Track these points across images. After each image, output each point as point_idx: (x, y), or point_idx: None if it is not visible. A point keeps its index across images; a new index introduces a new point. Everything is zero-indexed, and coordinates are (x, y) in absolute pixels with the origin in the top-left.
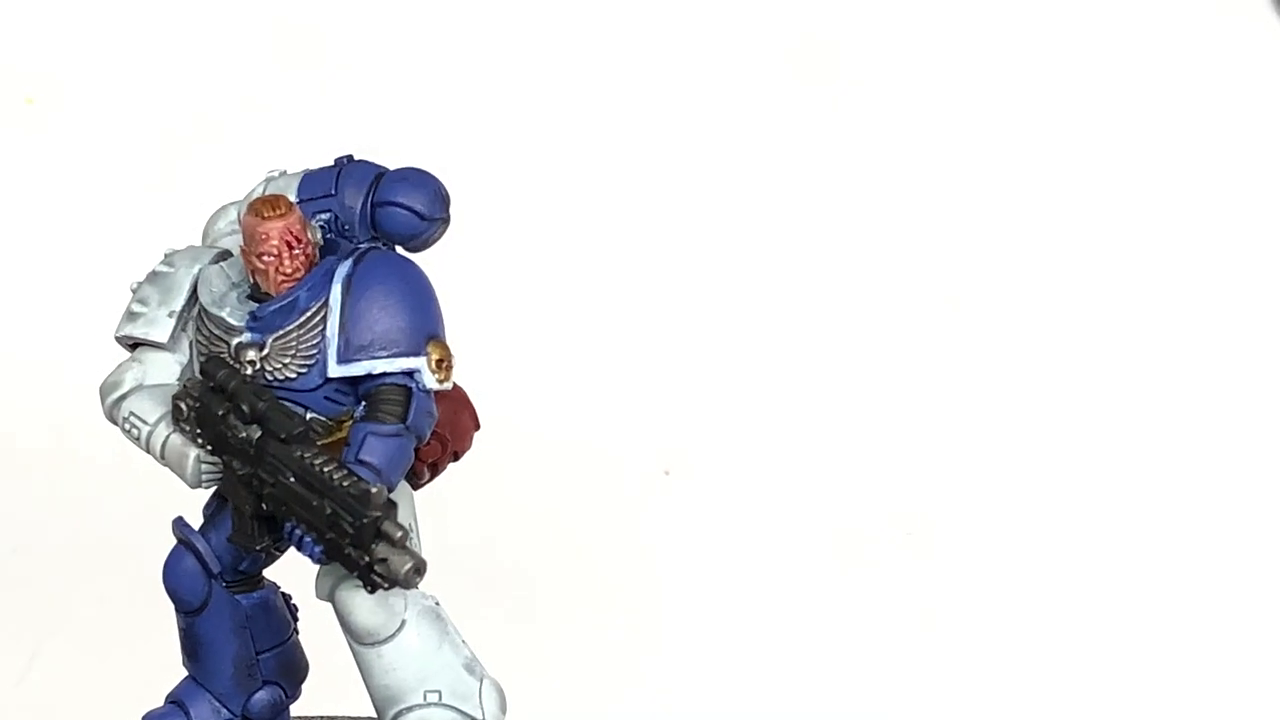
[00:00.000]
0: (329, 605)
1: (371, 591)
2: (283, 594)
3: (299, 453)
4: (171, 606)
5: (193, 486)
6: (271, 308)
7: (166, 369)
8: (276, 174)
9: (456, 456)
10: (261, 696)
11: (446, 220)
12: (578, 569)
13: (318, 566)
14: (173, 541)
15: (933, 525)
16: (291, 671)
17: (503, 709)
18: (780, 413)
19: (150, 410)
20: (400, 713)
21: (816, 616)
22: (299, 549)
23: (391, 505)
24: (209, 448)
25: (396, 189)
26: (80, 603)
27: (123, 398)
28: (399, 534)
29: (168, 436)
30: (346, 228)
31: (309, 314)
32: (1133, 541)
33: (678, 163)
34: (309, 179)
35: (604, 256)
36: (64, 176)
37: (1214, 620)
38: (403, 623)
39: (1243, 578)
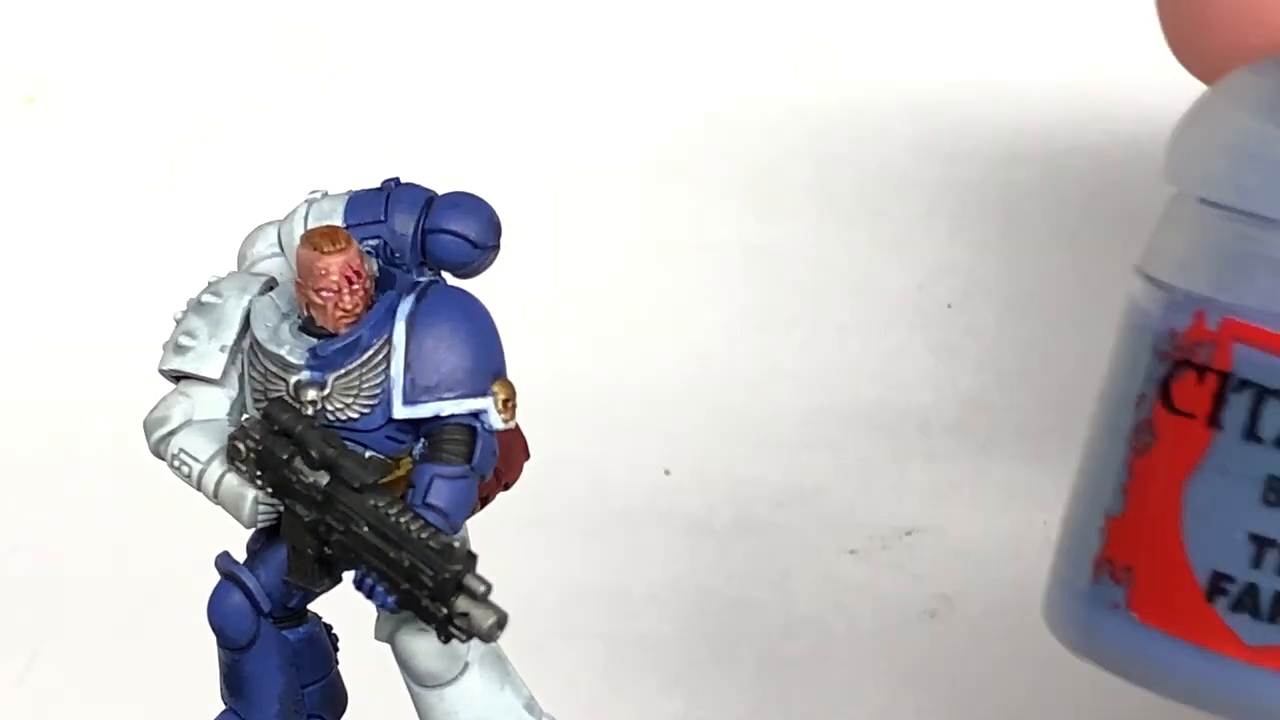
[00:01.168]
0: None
1: (446, 641)
2: (324, 625)
3: (373, 502)
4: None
5: (248, 526)
6: (334, 346)
7: (216, 404)
8: (318, 195)
9: (507, 486)
10: None
11: (498, 248)
12: (578, 569)
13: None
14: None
15: (933, 525)
16: (334, 704)
17: None
18: (779, 413)
19: (202, 448)
20: None
21: (816, 615)
22: (369, 597)
23: (472, 558)
24: (268, 490)
25: (449, 216)
26: (80, 603)
27: (171, 434)
28: (482, 588)
29: (222, 475)
30: (397, 255)
31: (372, 352)
32: None
33: (678, 162)
34: (355, 203)
35: (604, 256)
36: (64, 175)
37: None
38: (466, 665)
39: None
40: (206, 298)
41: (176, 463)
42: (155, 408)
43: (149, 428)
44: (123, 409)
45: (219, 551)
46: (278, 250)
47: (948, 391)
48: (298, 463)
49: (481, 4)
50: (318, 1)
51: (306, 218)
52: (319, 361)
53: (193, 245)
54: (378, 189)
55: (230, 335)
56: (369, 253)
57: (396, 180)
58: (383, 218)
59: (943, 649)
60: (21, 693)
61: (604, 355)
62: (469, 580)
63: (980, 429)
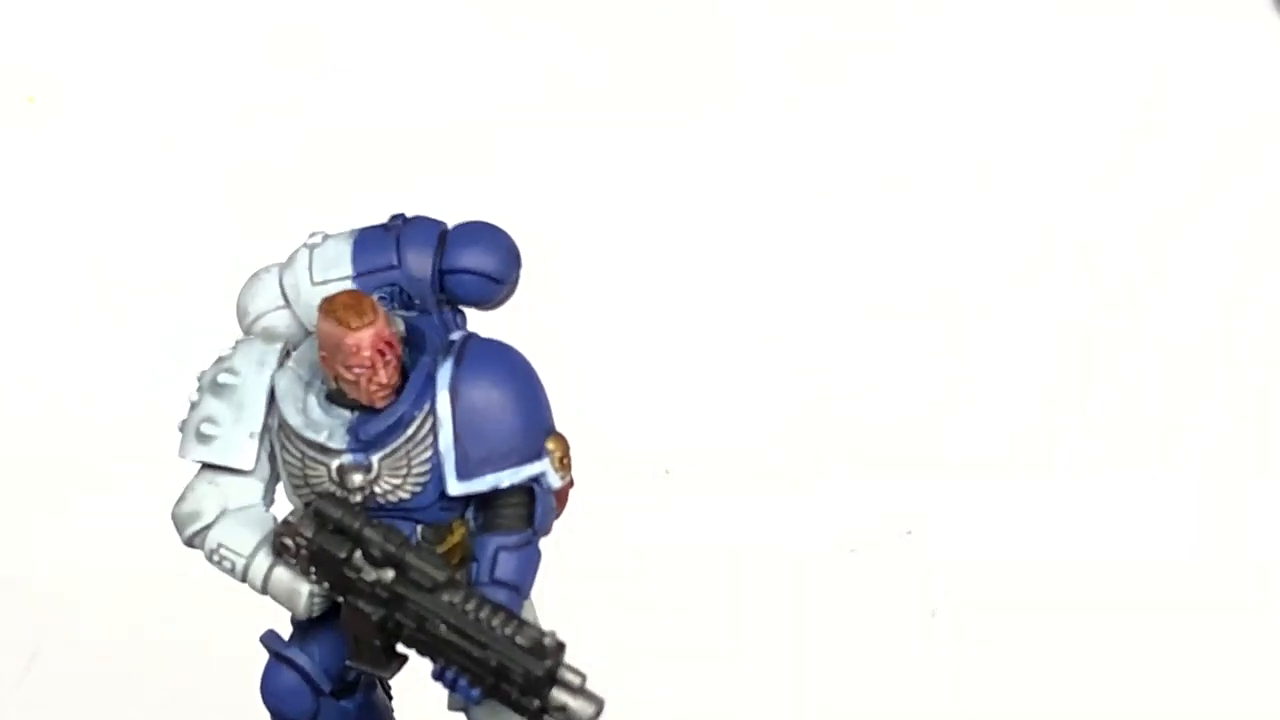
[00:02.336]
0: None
1: None
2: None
3: (448, 599)
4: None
5: (303, 618)
6: (376, 428)
7: (248, 492)
8: (318, 239)
9: (556, 514)
10: None
11: (518, 279)
12: (577, 569)
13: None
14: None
15: (933, 524)
16: None
17: None
18: (779, 412)
19: (244, 541)
20: None
21: (816, 615)
22: (451, 689)
23: (561, 648)
24: (325, 585)
25: (467, 255)
26: (80, 603)
27: (206, 528)
28: (578, 681)
29: (270, 568)
30: (418, 300)
31: (416, 426)
32: (1129, 540)
33: (678, 163)
34: (362, 246)
35: (604, 256)
36: (65, 175)
37: (1213, 619)
38: None
39: (1242, 578)
40: (223, 378)
41: (216, 558)
42: (183, 500)
43: (180, 522)
44: (124, 408)
45: (264, 631)
46: (282, 303)
47: (948, 391)
48: (358, 559)
49: (482, 4)
50: (318, 1)
51: (310, 266)
52: (361, 444)
53: (193, 245)
54: (384, 228)
55: (257, 421)
56: (383, 299)
57: (403, 216)
58: (396, 263)
59: (943, 649)
60: (21, 693)
61: (604, 355)
62: (564, 674)
63: (981, 429)
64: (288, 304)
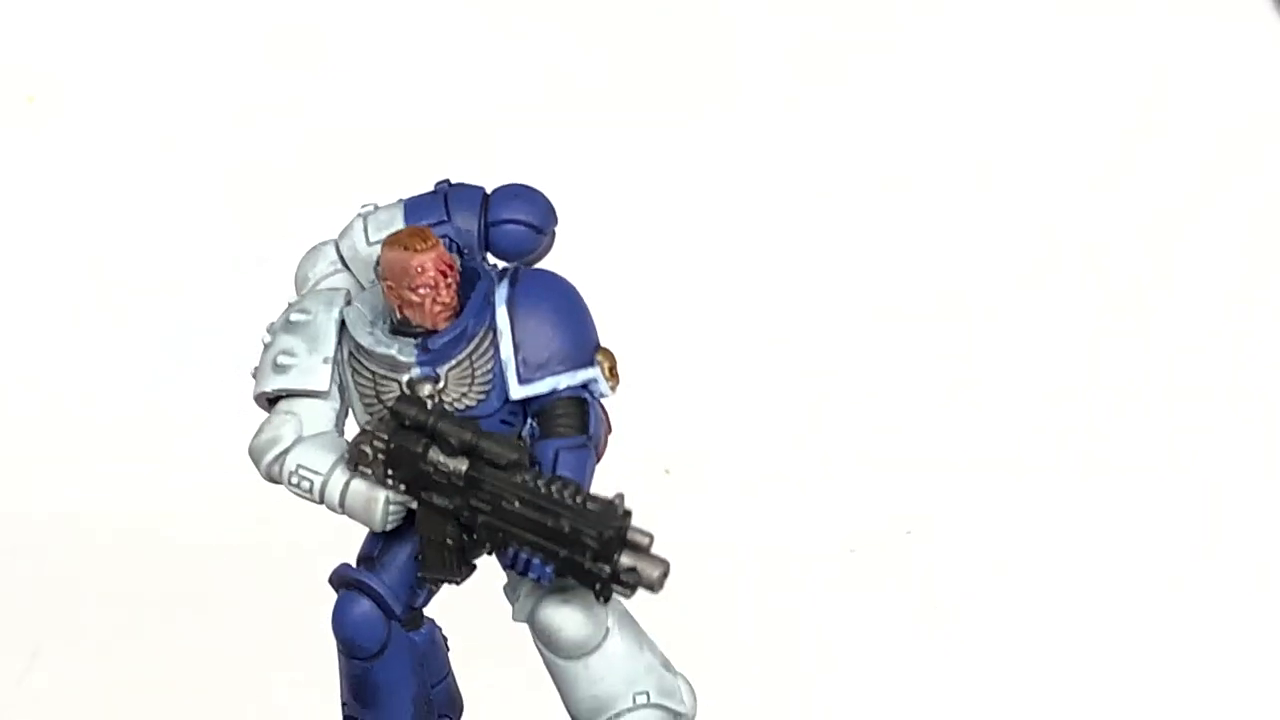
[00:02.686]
0: None
1: (605, 602)
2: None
3: (520, 477)
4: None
5: (380, 529)
6: (443, 339)
7: (322, 417)
8: (370, 208)
9: (597, 459)
10: None
11: (555, 233)
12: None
13: (511, 599)
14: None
15: (933, 524)
16: (455, 703)
17: (695, 702)
18: (780, 412)
19: (320, 459)
20: (610, 719)
21: (816, 615)
22: (524, 572)
23: (629, 514)
24: (401, 487)
25: (510, 206)
26: (80, 603)
27: (285, 452)
28: (646, 540)
29: (347, 483)
30: (465, 250)
31: (478, 339)
32: (1131, 541)
33: (678, 163)
34: (413, 208)
35: (604, 256)
36: (65, 175)
37: (1214, 619)
38: (607, 631)
39: (1242, 578)
40: (295, 316)
41: (295, 479)
42: (260, 431)
43: (258, 451)
44: (124, 408)
45: (336, 565)
46: (339, 266)
47: (949, 391)
48: (433, 453)
49: (483, 4)
50: (317, 1)
51: (366, 231)
52: (429, 356)
53: (193, 245)
54: (431, 193)
55: (329, 347)
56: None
57: (448, 181)
58: (446, 217)
59: (942, 649)
60: (21, 693)
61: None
62: (633, 534)
63: (982, 429)
64: (345, 266)
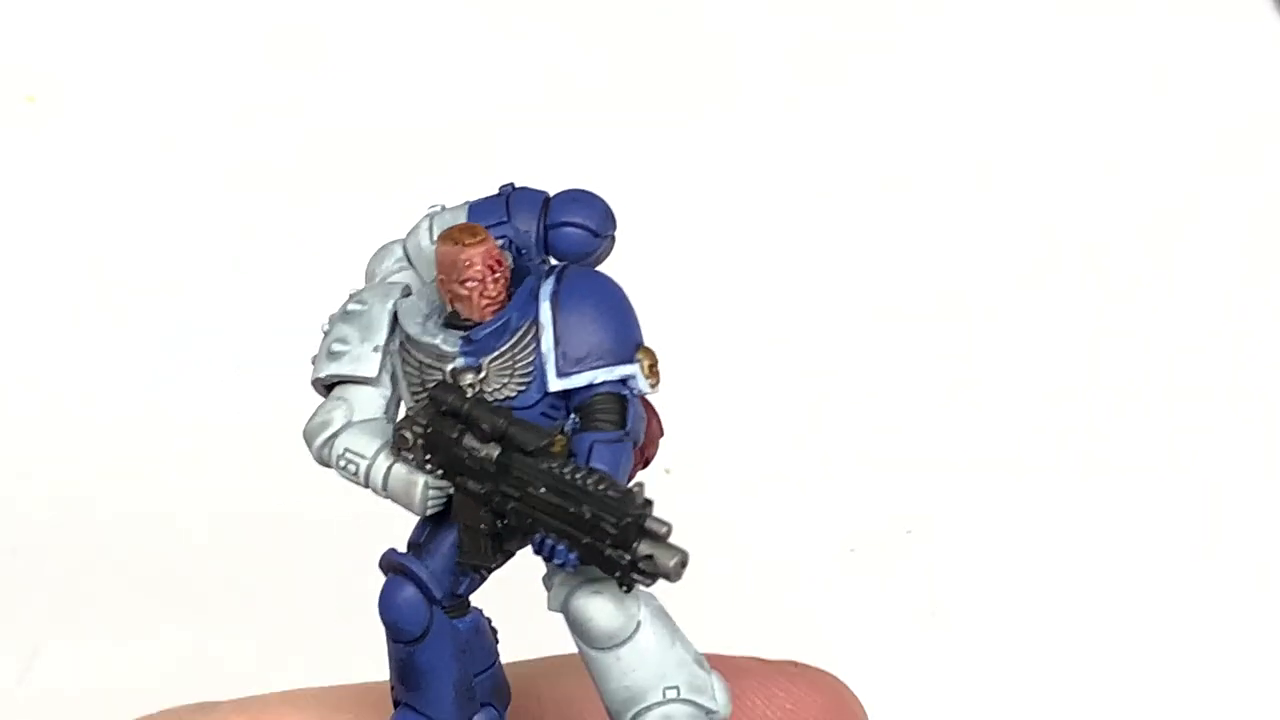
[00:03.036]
0: None
1: (628, 590)
2: (485, 616)
3: (546, 464)
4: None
5: (420, 514)
6: (485, 331)
7: (372, 403)
8: (438, 208)
9: (646, 463)
10: (481, 717)
11: (614, 238)
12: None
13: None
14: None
15: (933, 524)
16: (501, 693)
17: (730, 700)
18: (780, 412)
19: (366, 444)
20: (641, 712)
21: (816, 614)
22: (549, 559)
23: (649, 503)
24: (438, 472)
25: (569, 209)
26: (80, 603)
27: (334, 436)
28: (664, 529)
29: (390, 467)
30: (524, 251)
31: (520, 333)
32: (1130, 540)
33: (678, 163)
34: (476, 210)
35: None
36: (65, 175)
37: (1213, 618)
38: (639, 623)
39: (1241, 576)
40: (352, 306)
41: (342, 462)
42: (314, 415)
43: (310, 434)
44: (124, 408)
45: (385, 550)
46: (405, 264)
47: (950, 391)
48: (467, 439)
49: (482, 4)
50: (317, 2)
51: (430, 229)
52: (472, 347)
53: (193, 245)
54: (495, 195)
55: (381, 336)
56: (502, 247)
57: (512, 185)
58: (506, 218)
59: (942, 647)
60: (21, 693)
61: None
62: (650, 523)
63: (983, 430)
64: (410, 264)
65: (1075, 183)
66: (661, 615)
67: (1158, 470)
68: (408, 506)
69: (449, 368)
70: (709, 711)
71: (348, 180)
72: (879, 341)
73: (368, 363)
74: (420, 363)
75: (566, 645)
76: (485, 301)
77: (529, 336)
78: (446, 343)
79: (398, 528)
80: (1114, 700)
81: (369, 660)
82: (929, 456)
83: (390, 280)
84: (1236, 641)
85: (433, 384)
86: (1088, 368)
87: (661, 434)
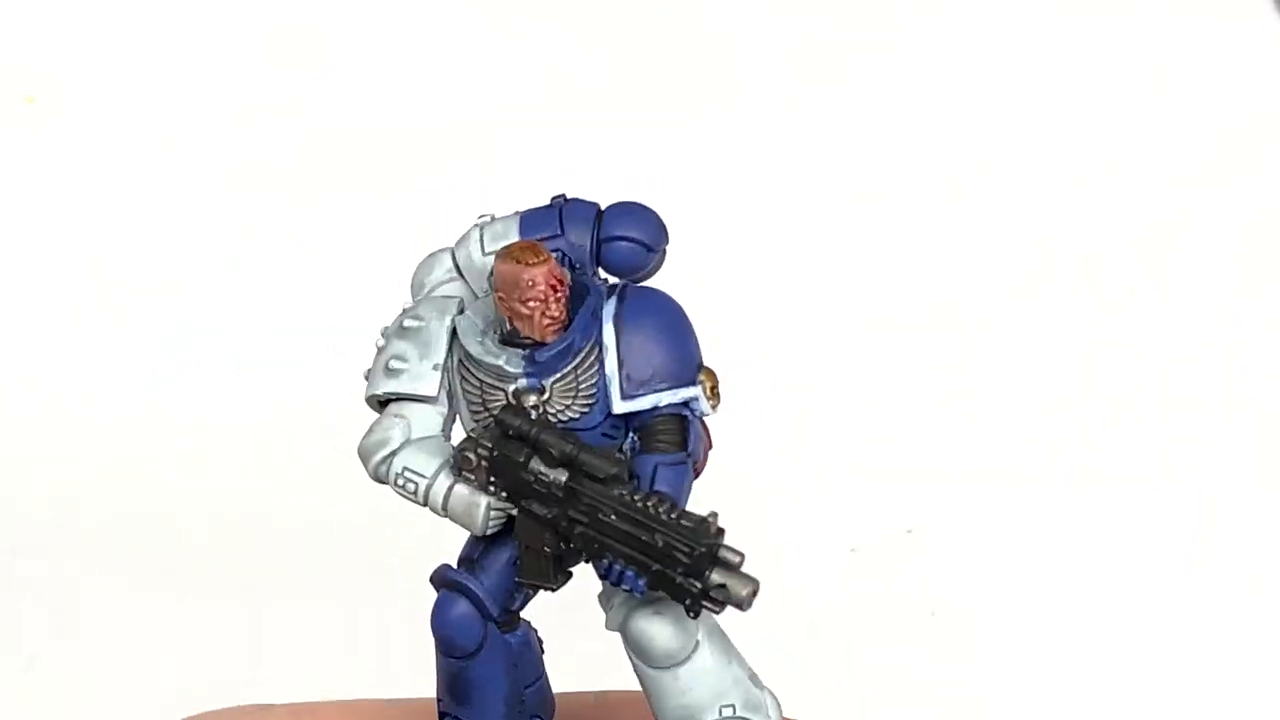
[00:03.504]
0: None
1: (695, 616)
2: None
3: (618, 491)
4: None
5: (480, 534)
6: (550, 352)
7: (430, 421)
8: (488, 218)
9: (696, 475)
10: None
11: (665, 252)
12: (580, 569)
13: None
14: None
15: (928, 535)
16: (547, 705)
17: (781, 717)
18: (781, 411)
19: (426, 463)
20: None
21: (816, 615)
22: (617, 583)
23: (722, 531)
24: (502, 495)
25: (623, 223)
26: (80, 603)
27: (393, 454)
28: (737, 559)
29: (451, 487)
30: (577, 265)
31: (583, 354)
32: (1125, 550)
33: (678, 163)
34: (529, 221)
35: None
36: (65, 175)
37: (1208, 626)
38: (697, 643)
39: (1236, 586)
40: (408, 322)
41: (401, 481)
42: (370, 433)
43: (367, 452)
44: (124, 408)
45: (437, 566)
46: (454, 274)
47: (945, 400)
48: (534, 464)
49: (483, 5)
50: (317, 2)
51: (481, 240)
52: (536, 368)
53: (193, 245)
54: (548, 206)
55: (440, 354)
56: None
57: (564, 196)
58: (560, 231)
59: (943, 649)
60: (21, 693)
61: None
62: (724, 553)
63: (978, 438)
64: (460, 275)
65: (1075, 185)
66: (718, 633)
67: (1153, 479)
68: (468, 527)
69: (511, 388)
70: None
71: (348, 180)
72: (878, 346)
73: (428, 381)
74: (481, 382)
75: (611, 660)
76: (547, 321)
77: (592, 358)
78: (510, 363)
79: (398, 529)
80: (1112, 703)
81: (370, 658)
82: (925, 466)
83: (439, 292)
84: (1232, 648)
85: (494, 404)
86: (1084, 377)
87: (710, 447)
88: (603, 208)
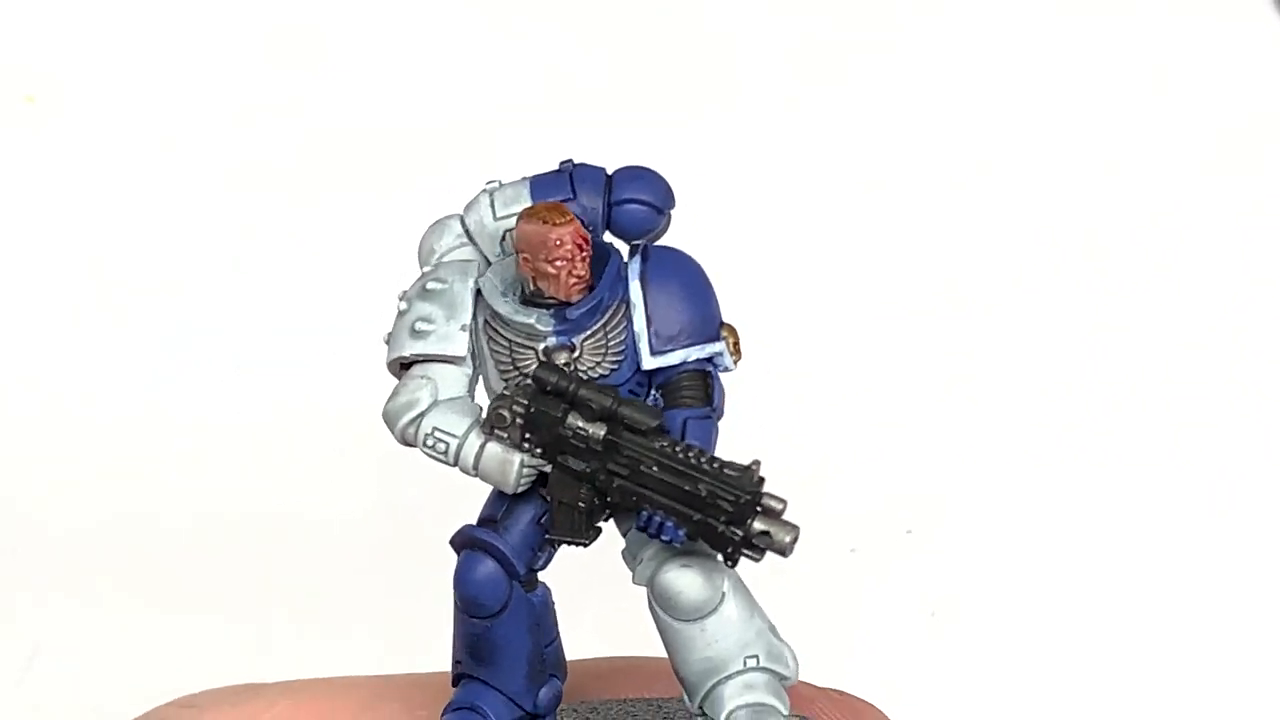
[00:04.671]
0: None
1: (734, 565)
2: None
3: (659, 443)
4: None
5: (512, 491)
6: (580, 310)
7: (456, 382)
8: (496, 184)
9: None
10: (547, 689)
11: (671, 215)
12: (580, 569)
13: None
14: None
15: (933, 522)
16: (562, 665)
17: (798, 668)
18: (782, 411)
19: (456, 423)
20: (721, 681)
21: (816, 615)
22: (655, 535)
23: (763, 480)
24: (537, 451)
25: (634, 186)
26: (80, 603)
27: (421, 415)
28: (780, 506)
29: (482, 445)
30: (590, 227)
31: (611, 311)
32: (1130, 539)
33: (678, 163)
34: (539, 185)
35: None
36: (65, 175)
37: (1214, 615)
38: (724, 595)
39: (1242, 573)
40: (431, 284)
41: (430, 441)
42: (395, 395)
43: (394, 414)
44: (124, 408)
45: (459, 528)
46: (465, 240)
47: (949, 390)
48: (572, 419)
49: (482, 5)
50: (317, 2)
51: (492, 205)
52: (566, 326)
53: (193, 245)
54: (556, 171)
55: (467, 315)
56: None
57: (572, 161)
58: (572, 195)
59: (942, 649)
60: (22, 693)
61: None
62: (768, 501)
63: (981, 428)
64: (470, 240)
65: (1074, 181)
66: (742, 587)
67: (1159, 468)
68: (500, 484)
69: (542, 346)
70: (783, 678)
71: (348, 180)
72: (878, 340)
73: (456, 342)
74: (510, 341)
75: (623, 618)
76: (573, 280)
77: (620, 315)
78: (540, 321)
79: (397, 527)
80: (1115, 699)
81: (371, 656)
82: (929, 455)
83: (450, 257)
84: (1238, 639)
85: (524, 363)
86: (1088, 367)
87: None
88: (609, 172)
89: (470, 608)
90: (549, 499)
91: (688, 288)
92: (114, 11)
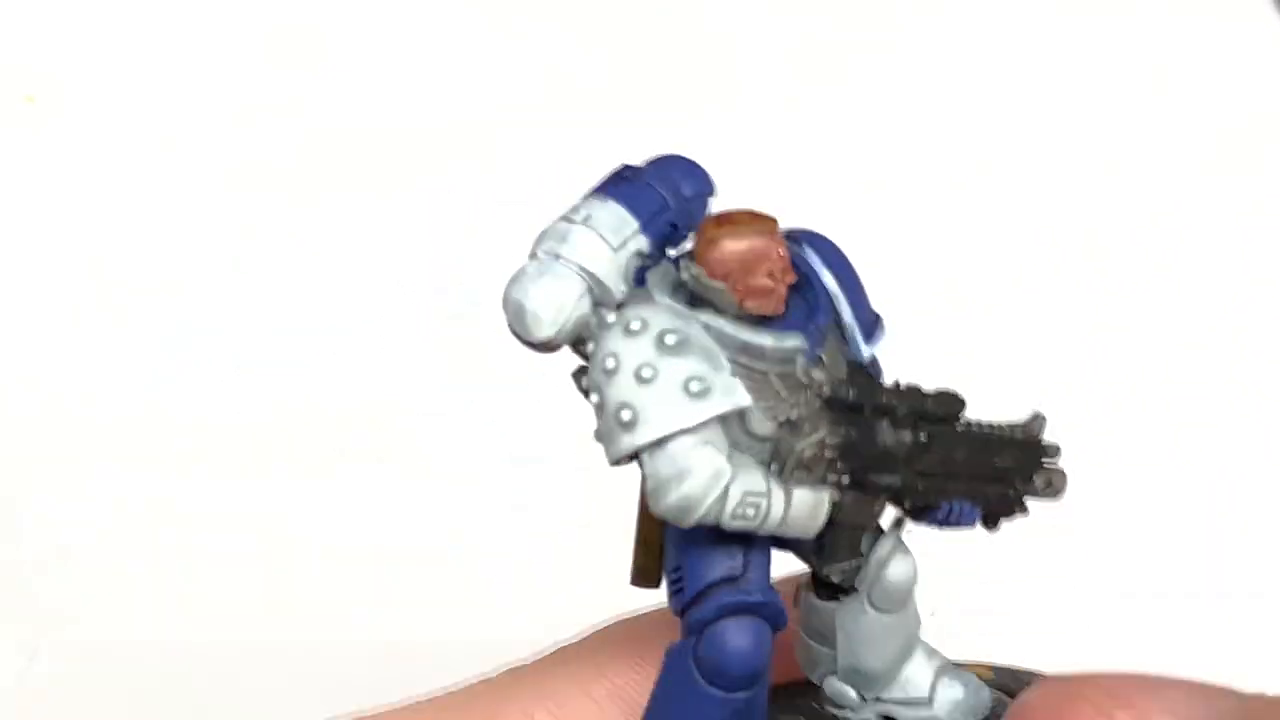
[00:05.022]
0: None
1: (994, 529)
2: None
3: (965, 422)
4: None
5: (816, 534)
6: (820, 317)
7: (721, 437)
8: (582, 218)
9: None
10: None
11: None
12: (580, 569)
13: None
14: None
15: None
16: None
17: None
18: None
19: (758, 480)
20: (908, 658)
21: None
22: (953, 526)
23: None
24: (845, 480)
25: (692, 182)
26: (80, 602)
27: (729, 484)
28: (1058, 450)
29: (788, 494)
30: (687, 231)
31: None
32: (1130, 539)
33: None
34: (628, 200)
35: None
36: (64, 175)
37: (1214, 616)
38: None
39: (1244, 573)
40: (669, 339)
41: (741, 509)
42: (685, 477)
43: (701, 495)
44: (124, 408)
45: (700, 601)
46: (584, 292)
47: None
48: (885, 431)
49: (482, 5)
50: (317, 2)
51: (602, 237)
52: (815, 338)
53: (193, 245)
54: (629, 182)
55: (724, 358)
56: (668, 236)
57: (628, 168)
58: (668, 203)
59: (942, 649)
60: (21, 693)
61: None
62: (1050, 448)
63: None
64: (591, 288)
65: (1074, 182)
66: None
67: (1159, 468)
68: (804, 530)
69: (799, 366)
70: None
71: (348, 180)
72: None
73: (738, 389)
74: (766, 370)
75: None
76: (784, 290)
77: (831, 312)
78: (800, 341)
79: (396, 526)
80: None
81: (369, 662)
82: None
83: (577, 311)
84: (1238, 639)
85: (788, 390)
86: (1088, 367)
87: None
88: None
89: (746, 682)
90: (825, 529)
91: (855, 270)
92: (114, 11)
